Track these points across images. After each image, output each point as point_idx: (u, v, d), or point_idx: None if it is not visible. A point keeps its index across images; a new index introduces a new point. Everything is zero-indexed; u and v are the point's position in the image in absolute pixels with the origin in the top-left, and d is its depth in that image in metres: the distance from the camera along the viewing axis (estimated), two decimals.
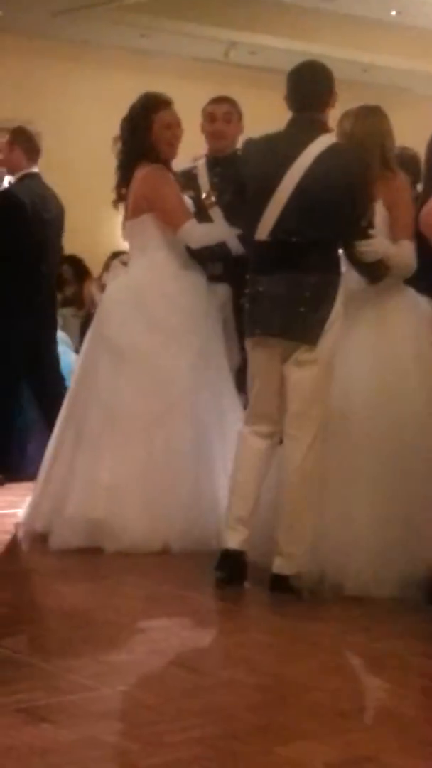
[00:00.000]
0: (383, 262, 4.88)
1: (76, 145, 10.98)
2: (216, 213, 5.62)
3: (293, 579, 4.70)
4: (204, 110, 5.85)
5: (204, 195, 5.65)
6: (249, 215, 4.85)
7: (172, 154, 5.61)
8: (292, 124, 4.85)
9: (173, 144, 5.58)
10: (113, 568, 5.06)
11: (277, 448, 4.86)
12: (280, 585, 4.71)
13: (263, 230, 4.77)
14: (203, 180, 5.74)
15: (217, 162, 5.79)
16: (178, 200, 5.52)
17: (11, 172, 6.85)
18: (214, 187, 5.69)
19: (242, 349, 5.27)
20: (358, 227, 4.81)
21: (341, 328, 4.79)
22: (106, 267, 7.79)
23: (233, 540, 4.82)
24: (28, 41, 11.37)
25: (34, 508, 5.58)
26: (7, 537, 5.60)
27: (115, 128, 5.67)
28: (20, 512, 5.76)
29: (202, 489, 5.35)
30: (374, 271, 4.91)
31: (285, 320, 4.75)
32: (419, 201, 4.91)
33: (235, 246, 5.54)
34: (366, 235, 4.82)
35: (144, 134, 5.52)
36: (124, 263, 5.72)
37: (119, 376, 5.40)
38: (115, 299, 5.55)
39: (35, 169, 6.77)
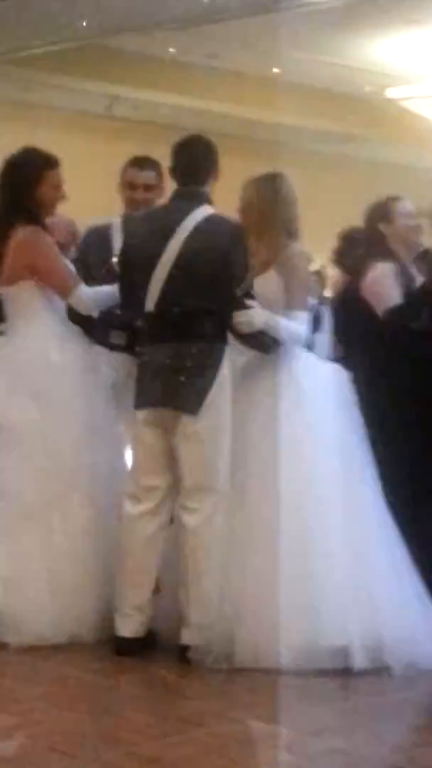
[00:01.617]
0: (264, 334, 4.85)
1: None
2: None
3: (192, 651, 4.64)
4: (125, 173, 5.63)
5: (115, 258, 5.36)
6: (136, 288, 4.86)
7: (52, 215, 5.36)
8: (174, 196, 4.95)
9: (56, 205, 5.32)
10: None
11: (166, 528, 4.81)
12: (184, 654, 4.66)
13: (150, 302, 4.81)
14: (117, 242, 5.46)
15: None
16: (64, 265, 5.27)
17: None
18: None
19: None
20: (233, 297, 4.81)
21: (229, 398, 4.76)
22: None
23: (127, 628, 4.77)
24: None
25: None
26: None
27: None
28: None
29: (107, 572, 5.00)
30: (256, 342, 4.89)
31: (166, 390, 4.75)
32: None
33: None
34: (242, 305, 4.81)
35: (30, 192, 5.17)
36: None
37: (7, 454, 5.04)
38: None
39: None
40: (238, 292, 4.79)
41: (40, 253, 5.16)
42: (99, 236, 5.62)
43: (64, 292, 5.19)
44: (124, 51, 10.57)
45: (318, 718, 4.19)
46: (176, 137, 5.11)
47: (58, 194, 5.26)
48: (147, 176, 5.59)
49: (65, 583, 4.93)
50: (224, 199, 5.15)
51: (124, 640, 4.76)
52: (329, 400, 5.01)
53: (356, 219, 6.78)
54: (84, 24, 9.75)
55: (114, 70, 10.81)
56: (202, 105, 11.07)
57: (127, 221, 4.98)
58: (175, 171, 4.94)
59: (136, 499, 4.81)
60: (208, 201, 4.88)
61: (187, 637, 4.68)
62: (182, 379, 4.72)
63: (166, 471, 4.80)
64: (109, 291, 5.27)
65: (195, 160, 4.91)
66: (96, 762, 3.72)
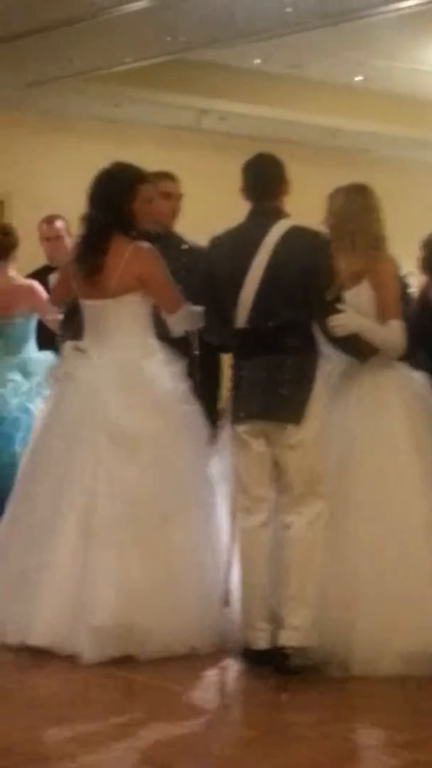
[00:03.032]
0: (359, 337, 4.95)
1: None
2: None
3: (295, 658, 4.72)
4: (160, 186, 5.70)
5: None
6: (225, 308, 4.94)
7: (142, 228, 5.37)
8: (251, 215, 5.01)
9: (147, 220, 5.37)
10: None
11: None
12: (285, 661, 4.73)
13: (240, 319, 4.89)
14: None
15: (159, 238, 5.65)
16: (173, 282, 5.29)
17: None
18: None
19: None
20: (324, 303, 4.87)
21: (325, 407, 4.86)
22: None
23: (263, 640, 4.83)
24: (1, 113, 11.49)
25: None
26: None
27: None
28: None
29: (219, 583, 5.09)
30: (352, 347, 4.97)
31: (267, 402, 4.82)
32: None
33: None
34: (334, 310, 4.88)
35: (127, 204, 5.19)
36: (80, 350, 5.29)
37: (131, 464, 5.04)
38: (104, 381, 5.14)
39: None
40: (329, 296, 4.86)
41: (154, 268, 5.21)
42: None
43: (171, 308, 5.23)
44: (210, 64, 10.73)
45: (413, 729, 4.23)
46: (264, 148, 5.25)
47: (150, 208, 5.32)
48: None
49: (186, 595, 4.96)
50: (310, 208, 5.25)
51: (259, 652, 4.82)
52: (424, 411, 5.11)
53: None
54: (170, 39, 9.94)
55: (201, 84, 10.97)
56: (287, 115, 11.19)
57: (211, 244, 5.05)
58: (248, 190, 5.01)
59: (248, 511, 4.88)
60: (284, 215, 4.94)
61: (284, 638, 4.76)
62: (283, 391, 4.79)
63: (273, 480, 4.88)
64: (198, 311, 5.29)
65: (266, 178, 4.99)
66: None
